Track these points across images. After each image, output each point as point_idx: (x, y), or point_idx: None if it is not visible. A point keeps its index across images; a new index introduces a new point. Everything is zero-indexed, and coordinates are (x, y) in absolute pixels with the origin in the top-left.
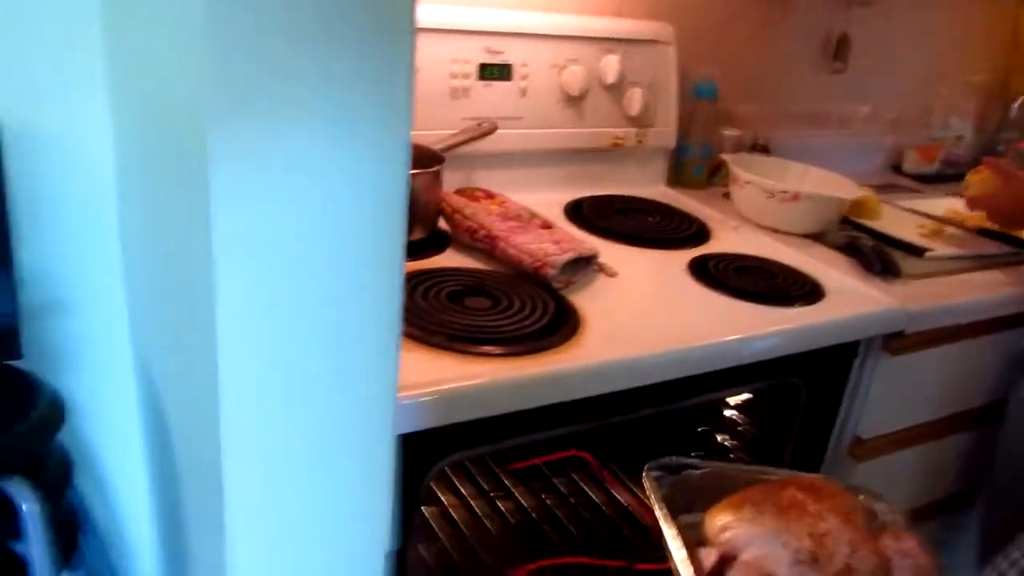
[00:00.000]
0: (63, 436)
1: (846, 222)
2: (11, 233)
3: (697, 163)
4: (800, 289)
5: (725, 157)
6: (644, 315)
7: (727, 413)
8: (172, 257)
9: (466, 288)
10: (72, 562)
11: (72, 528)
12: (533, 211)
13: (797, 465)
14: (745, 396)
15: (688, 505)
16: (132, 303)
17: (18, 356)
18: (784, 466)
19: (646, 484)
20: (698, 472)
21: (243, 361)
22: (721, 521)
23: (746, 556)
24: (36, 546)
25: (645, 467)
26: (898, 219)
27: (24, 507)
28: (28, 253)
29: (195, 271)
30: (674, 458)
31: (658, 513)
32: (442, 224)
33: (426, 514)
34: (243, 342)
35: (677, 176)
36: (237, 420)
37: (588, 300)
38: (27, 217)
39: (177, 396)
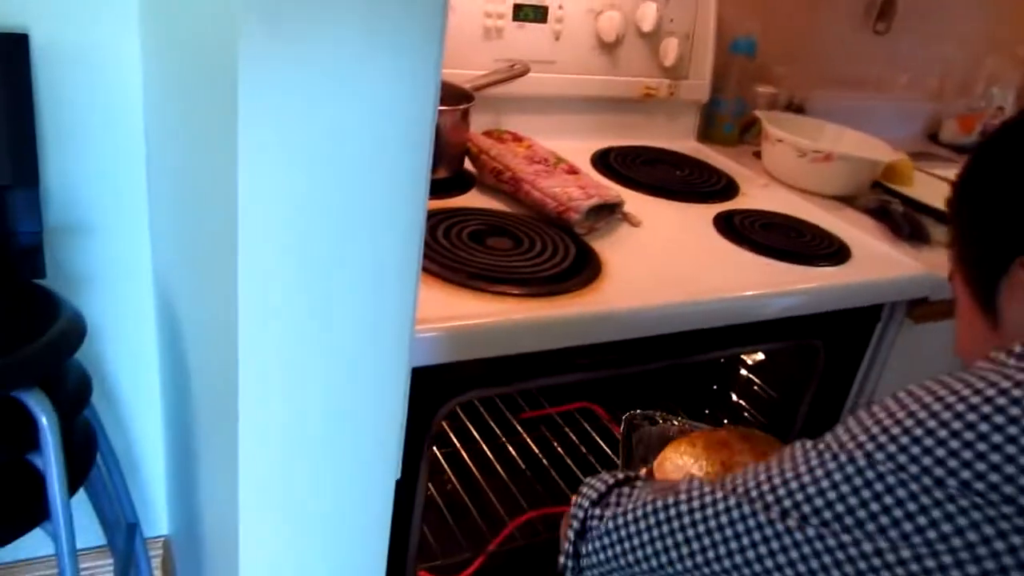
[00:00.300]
0: (81, 356)
1: (877, 186)
2: (38, 151)
3: (729, 119)
4: (826, 249)
5: (758, 114)
6: (666, 265)
7: (743, 372)
8: (197, 180)
9: (488, 228)
10: (86, 480)
11: (87, 447)
12: (560, 156)
13: (809, 430)
14: (762, 356)
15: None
16: (154, 226)
17: (42, 275)
18: (796, 431)
19: (622, 427)
20: (674, 428)
21: (263, 285)
22: (662, 455)
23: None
24: (51, 460)
25: (627, 414)
26: (931, 186)
27: (42, 420)
28: (54, 173)
29: (219, 194)
30: (659, 413)
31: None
32: (467, 165)
33: (437, 453)
34: (263, 266)
35: (707, 131)
36: (255, 343)
37: (610, 247)
38: (53, 137)
39: (196, 319)
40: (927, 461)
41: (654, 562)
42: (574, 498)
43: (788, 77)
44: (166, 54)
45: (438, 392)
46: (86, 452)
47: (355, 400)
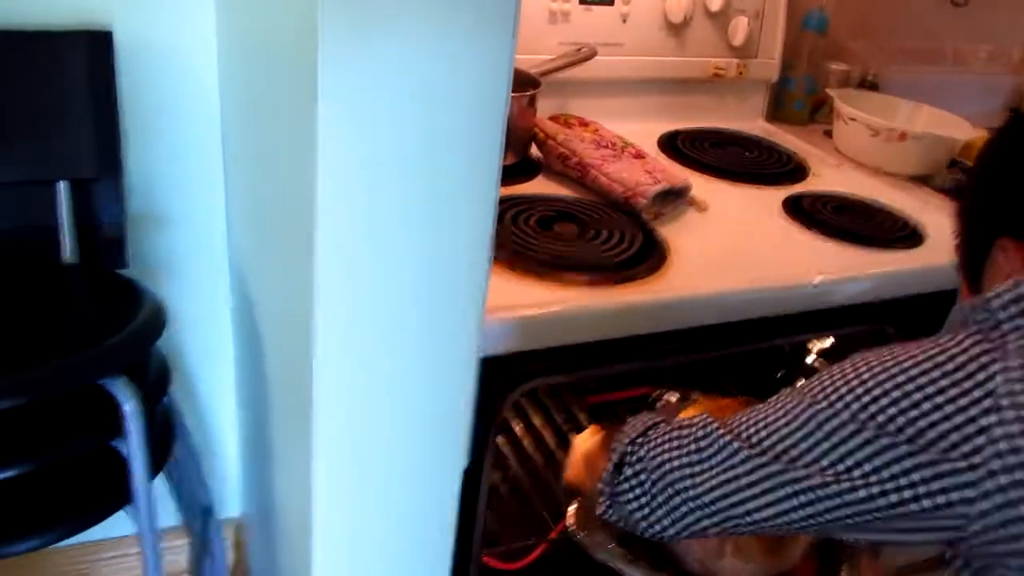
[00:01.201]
0: (160, 343)
1: (955, 165)
2: (121, 143)
3: (799, 97)
4: (900, 232)
5: (830, 92)
6: (733, 251)
7: (809, 360)
8: (274, 172)
9: (555, 215)
10: (166, 466)
11: (168, 434)
12: (627, 140)
13: None
14: (831, 342)
15: None
16: (230, 217)
17: (124, 265)
18: None
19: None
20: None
21: (338, 273)
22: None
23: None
24: (135, 445)
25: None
26: None
27: (126, 407)
28: (135, 164)
29: (297, 185)
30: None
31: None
32: (534, 151)
33: (498, 442)
34: (340, 255)
35: (777, 111)
36: (330, 331)
37: (677, 233)
38: (134, 130)
39: (271, 308)
40: (874, 409)
41: (668, 479)
42: (616, 435)
43: (861, 53)
44: (243, 50)
45: (505, 381)
46: (166, 438)
47: (425, 388)
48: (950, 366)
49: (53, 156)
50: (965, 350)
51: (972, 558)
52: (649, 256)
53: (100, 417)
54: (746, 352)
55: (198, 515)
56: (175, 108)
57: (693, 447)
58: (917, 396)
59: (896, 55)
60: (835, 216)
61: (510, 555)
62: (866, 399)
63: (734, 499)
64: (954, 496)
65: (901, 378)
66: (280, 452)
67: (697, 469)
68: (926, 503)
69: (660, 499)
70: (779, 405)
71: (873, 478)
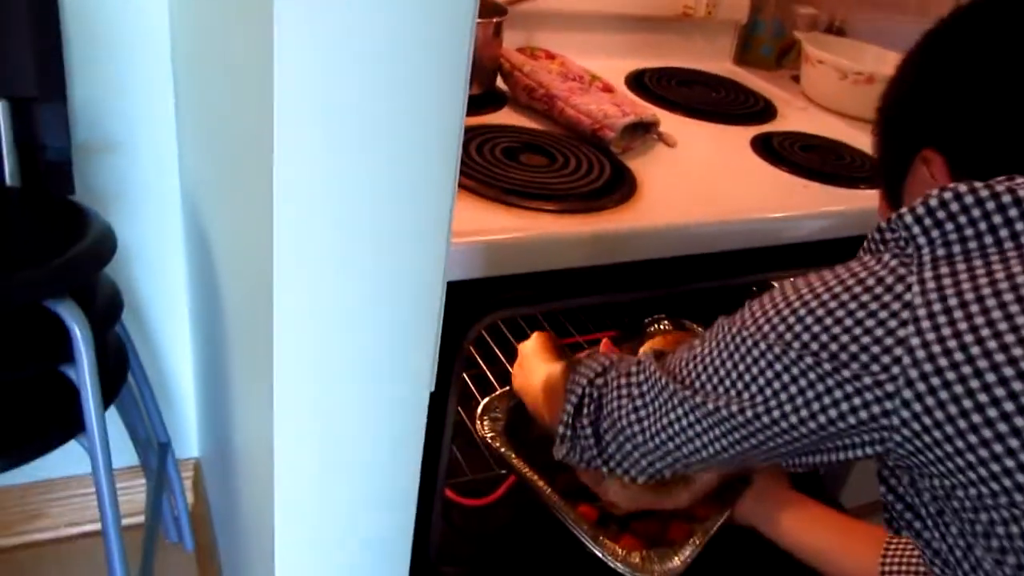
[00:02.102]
0: (111, 277)
1: None
2: (65, 67)
3: (767, 41)
4: (868, 172)
5: (798, 35)
6: (702, 185)
7: None
8: (228, 95)
9: (521, 145)
10: (117, 397)
11: (120, 363)
12: (594, 74)
13: None
14: None
15: None
16: (182, 146)
17: (71, 192)
18: None
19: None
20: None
21: (298, 197)
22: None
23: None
24: (85, 371)
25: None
26: None
27: (75, 330)
28: (82, 90)
29: (253, 108)
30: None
31: None
32: (499, 84)
33: (465, 377)
34: (299, 178)
35: (744, 54)
36: (290, 257)
37: (645, 166)
38: (81, 54)
39: (226, 238)
40: (798, 329)
41: (618, 426)
42: (570, 378)
43: None
44: None
45: (471, 308)
46: (118, 368)
47: (391, 310)
48: (871, 281)
49: None
50: (885, 264)
51: (896, 469)
52: (618, 187)
53: (49, 343)
54: (713, 290)
55: (155, 452)
56: (123, 34)
57: (636, 392)
58: (840, 312)
59: (862, 1)
60: (803, 154)
61: (477, 486)
62: (791, 319)
63: (677, 440)
64: (875, 409)
65: (826, 295)
66: (238, 388)
67: (643, 414)
68: (851, 419)
69: (613, 447)
70: (709, 338)
71: (799, 400)
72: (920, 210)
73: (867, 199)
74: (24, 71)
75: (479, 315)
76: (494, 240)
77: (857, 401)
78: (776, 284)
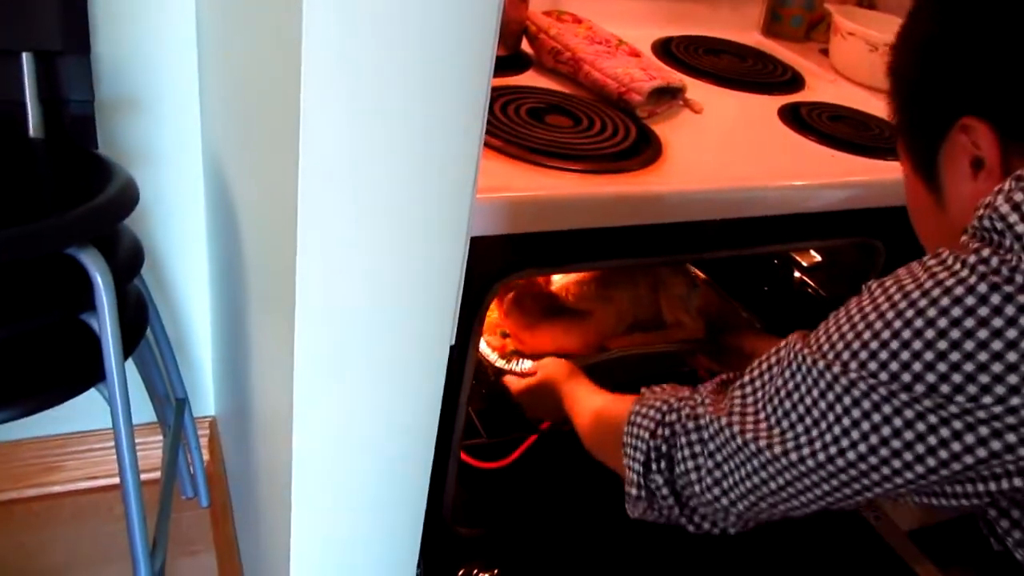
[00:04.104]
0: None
1: None
2: (89, 22)
3: (797, 13)
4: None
5: (828, 6)
6: (727, 151)
7: (796, 274)
8: (253, 52)
9: (547, 107)
10: (137, 349)
11: (140, 314)
12: (621, 39)
13: None
14: (819, 259)
15: None
16: (205, 103)
17: (94, 145)
18: None
19: None
20: None
21: (324, 152)
22: None
23: None
24: (106, 319)
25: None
26: None
27: (97, 278)
28: (106, 47)
29: (280, 68)
30: None
31: None
32: (525, 46)
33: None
34: (325, 133)
35: (773, 25)
36: (315, 213)
37: (671, 131)
38: (104, 9)
39: (249, 195)
40: (894, 367)
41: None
42: (627, 430)
43: None
44: None
45: (494, 264)
46: (138, 320)
47: (414, 263)
48: (960, 290)
49: (16, 25)
50: (974, 268)
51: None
52: (643, 150)
53: (71, 291)
54: (735, 259)
55: (172, 408)
56: None
57: (711, 460)
58: (930, 334)
59: None
60: (831, 125)
61: (492, 450)
62: (874, 345)
63: (769, 500)
64: (996, 445)
65: (910, 312)
66: (257, 346)
67: (725, 485)
68: (969, 458)
69: (701, 511)
70: (781, 369)
71: (897, 443)
72: (1019, 196)
73: (894, 170)
74: (49, 25)
75: (502, 272)
76: (518, 197)
77: (970, 439)
78: (853, 299)
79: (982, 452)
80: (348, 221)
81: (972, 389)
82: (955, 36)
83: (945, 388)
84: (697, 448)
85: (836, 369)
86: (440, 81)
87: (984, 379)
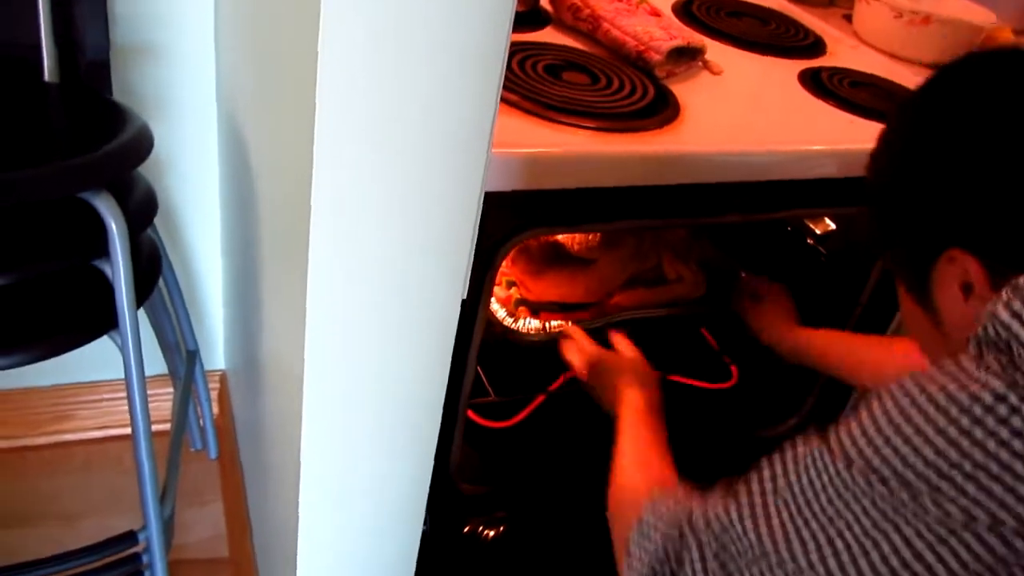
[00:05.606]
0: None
1: None
2: None
3: None
4: None
5: None
6: (746, 114)
7: (809, 241)
8: (270, 8)
9: (564, 64)
10: (149, 298)
11: (153, 263)
12: None
13: (873, 307)
14: (832, 227)
15: None
16: (220, 53)
17: (108, 92)
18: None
19: None
20: None
21: (340, 106)
22: None
23: None
24: (119, 264)
25: None
26: None
27: (111, 223)
28: None
29: (296, 13)
30: None
31: None
32: (544, 3)
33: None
34: (341, 85)
35: None
36: (330, 166)
37: (689, 92)
38: None
39: (264, 151)
40: (896, 465)
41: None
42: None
43: None
44: None
45: (507, 221)
46: (151, 269)
47: (429, 214)
48: (978, 410)
49: None
50: (983, 381)
51: None
52: (661, 110)
53: (85, 236)
54: (748, 224)
55: (182, 360)
56: None
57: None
58: (944, 447)
59: None
60: (851, 91)
61: (500, 409)
62: (888, 454)
63: None
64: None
65: (925, 426)
66: (269, 300)
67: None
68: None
69: None
70: (790, 481)
71: (905, 552)
72: (1017, 305)
73: None
74: None
75: (515, 229)
76: (533, 153)
77: (979, 549)
78: (863, 408)
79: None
80: (362, 175)
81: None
82: (929, 175)
83: (963, 501)
84: (708, 549)
85: (853, 470)
86: (459, 34)
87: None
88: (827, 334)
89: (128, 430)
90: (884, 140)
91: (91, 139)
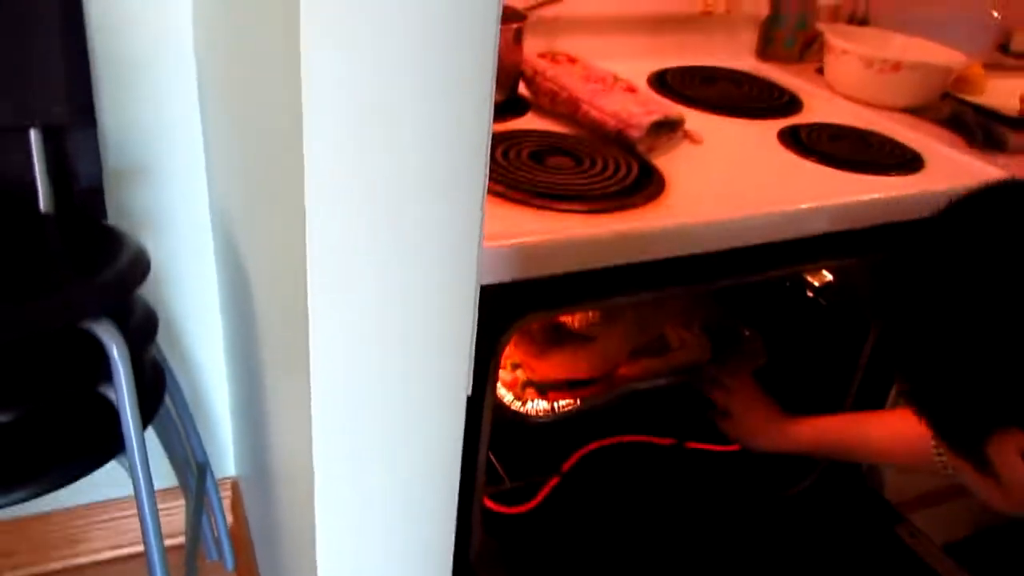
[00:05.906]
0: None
1: (948, 97)
2: (94, 91)
3: (789, 35)
4: (899, 158)
5: (821, 26)
6: (732, 180)
7: (809, 294)
8: (255, 118)
9: (548, 149)
10: (155, 417)
11: (156, 382)
12: (617, 75)
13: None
14: (830, 278)
15: None
16: (211, 168)
17: (103, 216)
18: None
19: None
20: None
21: (330, 211)
22: None
23: None
24: (123, 389)
25: None
26: (1004, 93)
27: (113, 350)
28: (111, 117)
29: (283, 127)
30: None
31: None
32: (522, 90)
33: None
34: (330, 194)
35: (767, 48)
36: (325, 271)
37: (672, 164)
38: (108, 79)
39: (259, 258)
40: None
41: None
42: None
43: None
44: None
45: (505, 311)
46: (155, 388)
47: (427, 315)
48: None
49: (23, 100)
50: None
51: None
52: (646, 185)
53: (87, 364)
54: (747, 285)
55: (192, 472)
56: (149, 59)
57: None
58: None
59: None
60: (831, 144)
61: (515, 495)
62: None
63: None
64: None
65: None
66: (274, 407)
67: None
68: None
69: None
70: None
71: None
72: None
73: (899, 186)
74: (55, 99)
75: (513, 317)
76: (525, 243)
77: None
78: None
79: None
80: (358, 280)
81: None
82: (971, 367)
83: None
84: None
85: None
86: (441, 131)
87: None
88: (828, 422)
89: (142, 548)
90: (912, 307)
91: (88, 267)
